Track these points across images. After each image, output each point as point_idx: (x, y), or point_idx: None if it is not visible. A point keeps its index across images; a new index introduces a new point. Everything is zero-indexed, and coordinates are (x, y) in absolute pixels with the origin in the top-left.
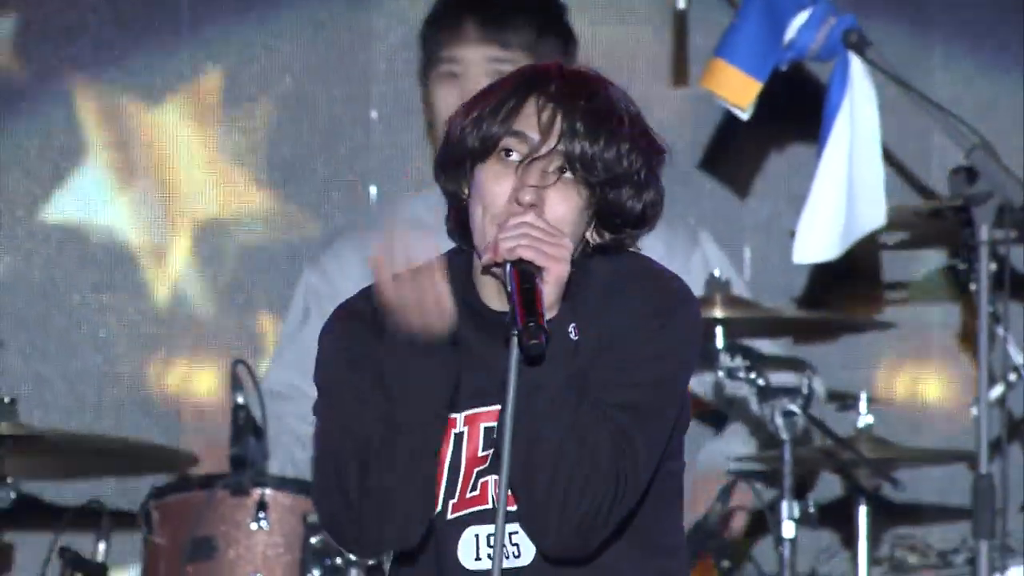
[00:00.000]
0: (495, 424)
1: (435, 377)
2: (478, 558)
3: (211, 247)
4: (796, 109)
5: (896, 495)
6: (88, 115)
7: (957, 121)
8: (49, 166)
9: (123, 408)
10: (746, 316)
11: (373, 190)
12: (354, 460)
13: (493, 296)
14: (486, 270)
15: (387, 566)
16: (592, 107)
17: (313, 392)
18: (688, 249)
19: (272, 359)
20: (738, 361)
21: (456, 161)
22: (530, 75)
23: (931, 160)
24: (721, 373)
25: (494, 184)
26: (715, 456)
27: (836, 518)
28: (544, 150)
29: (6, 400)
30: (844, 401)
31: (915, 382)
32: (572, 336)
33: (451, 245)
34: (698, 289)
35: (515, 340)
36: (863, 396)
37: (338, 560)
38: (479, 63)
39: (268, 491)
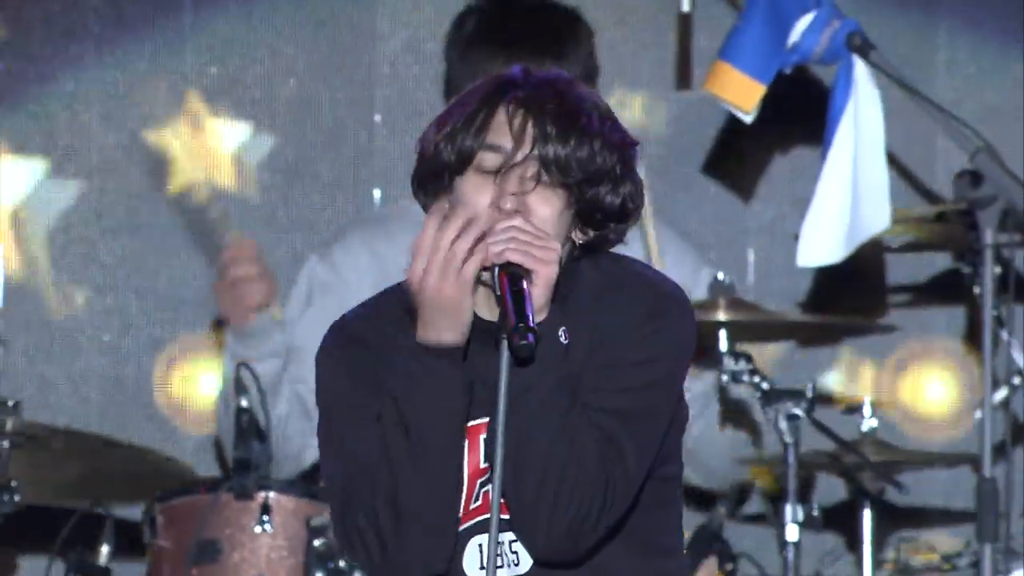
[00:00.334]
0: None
1: (455, 385)
2: (482, 567)
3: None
4: (800, 112)
5: (900, 498)
6: (91, 116)
7: (961, 124)
8: (52, 166)
9: (127, 411)
10: (750, 319)
11: (377, 193)
12: (381, 481)
13: (483, 305)
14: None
15: None
16: (561, 109)
17: (308, 379)
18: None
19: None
20: (742, 364)
21: (433, 176)
22: (497, 84)
23: (935, 164)
24: (724, 377)
25: (475, 195)
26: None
27: (840, 521)
28: (519, 157)
29: (10, 402)
30: (848, 405)
31: (919, 386)
32: (563, 339)
33: None
34: (701, 293)
35: (505, 342)
36: (867, 400)
37: (341, 563)
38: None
39: (272, 494)
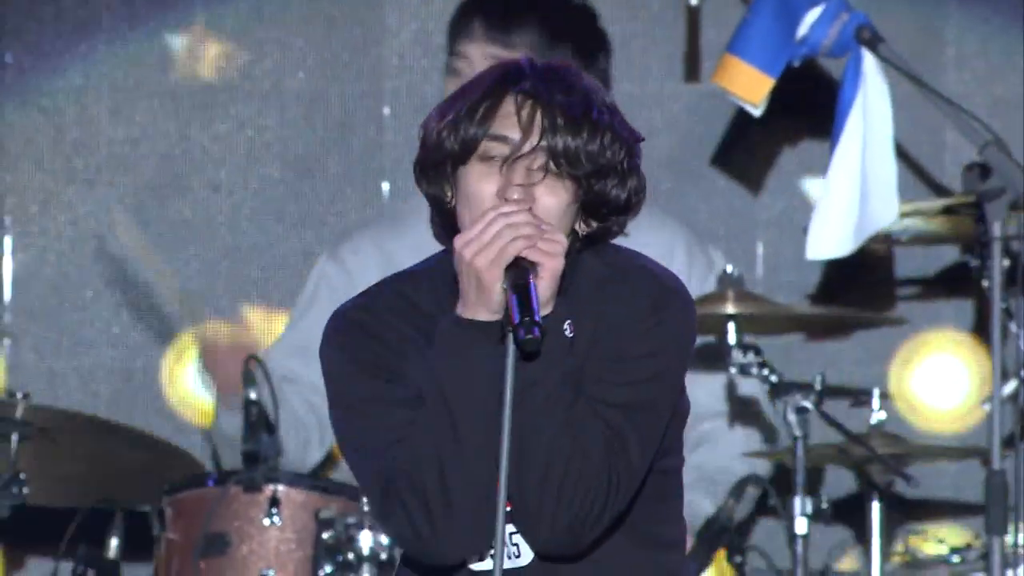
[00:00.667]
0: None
1: (495, 360)
2: (482, 558)
3: (224, 243)
4: (809, 105)
5: (909, 491)
6: (101, 111)
7: (970, 117)
8: (62, 162)
9: (136, 404)
10: (759, 312)
11: (386, 186)
12: (427, 468)
13: None
14: None
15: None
16: (570, 100)
17: (313, 377)
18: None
19: (275, 342)
20: (750, 357)
21: (436, 164)
22: (503, 73)
23: (944, 156)
24: (733, 369)
25: (480, 185)
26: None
27: (849, 514)
28: (527, 148)
29: (19, 395)
30: (857, 397)
31: (928, 378)
32: (568, 333)
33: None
34: (709, 286)
35: (511, 336)
36: (876, 392)
37: (350, 556)
38: (479, 60)
39: (281, 487)
